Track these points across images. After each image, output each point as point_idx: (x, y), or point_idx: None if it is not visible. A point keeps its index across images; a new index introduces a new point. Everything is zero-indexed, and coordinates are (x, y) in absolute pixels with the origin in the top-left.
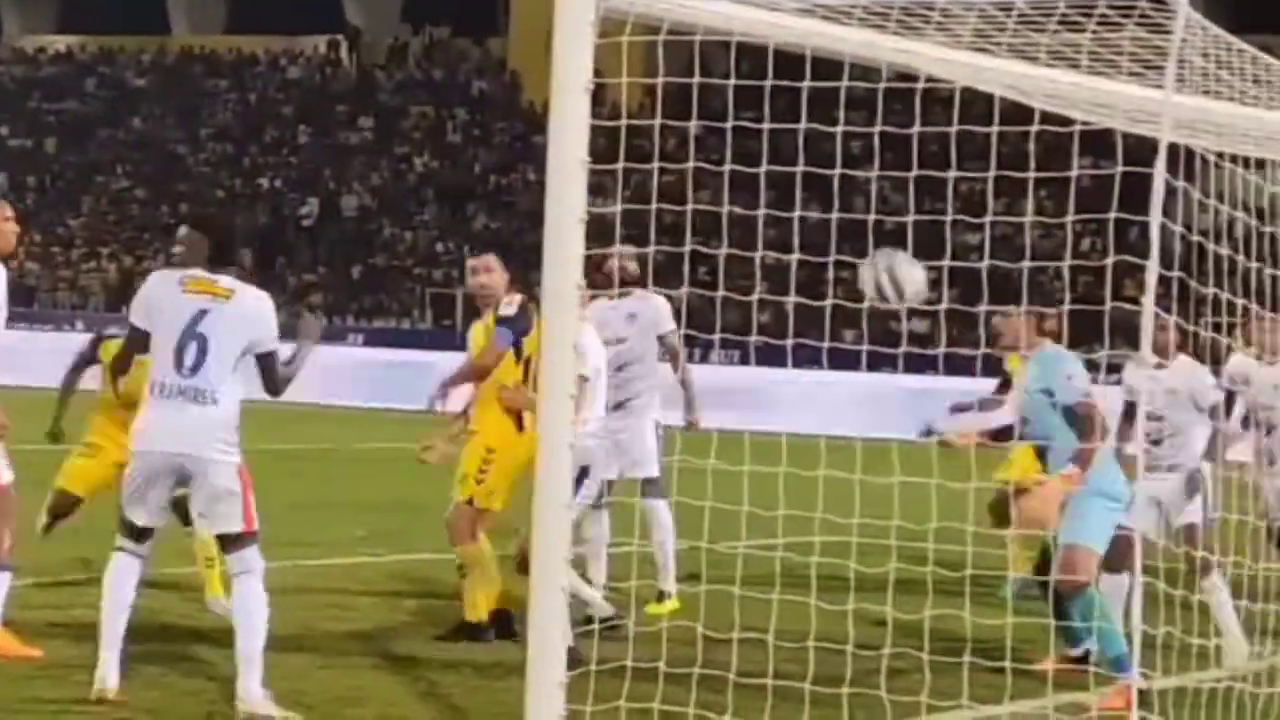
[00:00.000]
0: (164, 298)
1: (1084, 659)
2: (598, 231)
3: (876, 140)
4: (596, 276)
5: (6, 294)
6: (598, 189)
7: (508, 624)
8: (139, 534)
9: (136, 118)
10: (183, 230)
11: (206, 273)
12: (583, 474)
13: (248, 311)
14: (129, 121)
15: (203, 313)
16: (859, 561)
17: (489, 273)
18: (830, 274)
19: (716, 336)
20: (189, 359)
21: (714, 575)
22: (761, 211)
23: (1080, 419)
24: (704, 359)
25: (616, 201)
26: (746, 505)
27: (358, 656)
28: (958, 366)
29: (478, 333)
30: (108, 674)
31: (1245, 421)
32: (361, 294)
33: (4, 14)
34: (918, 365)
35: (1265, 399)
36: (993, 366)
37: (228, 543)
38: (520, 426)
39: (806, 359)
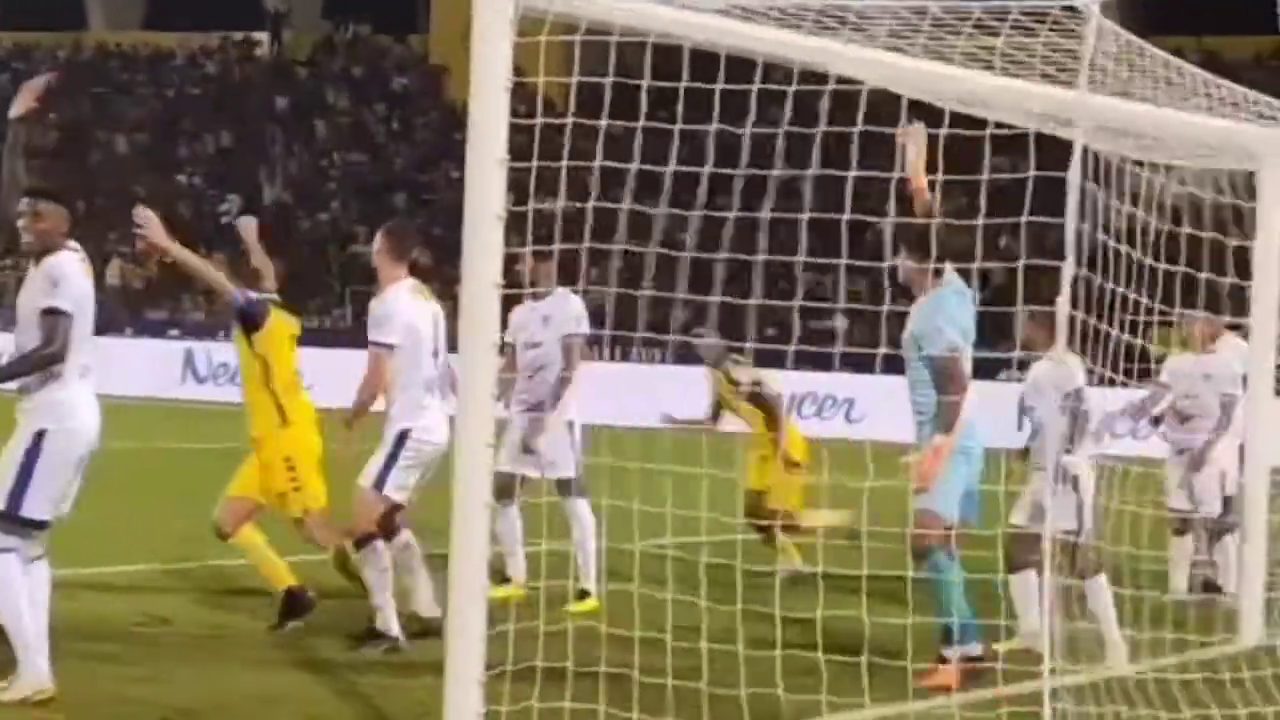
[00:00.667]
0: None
1: (980, 658)
2: (518, 229)
3: (780, 140)
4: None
5: None
6: (517, 186)
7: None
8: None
9: (53, 114)
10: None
11: None
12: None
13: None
14: (45, 118)
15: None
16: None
17: None
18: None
19: (639, 335)
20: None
21: (625, 575)
22: (663, 210)
23: (939, 373)
24: (625, 357)
25: (529, 200)
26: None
27: (275, 655)
28: (864, 364)
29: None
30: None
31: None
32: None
33: None
34: (828, 362)
35: (1190, 389)
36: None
37: None
38: (285, 420)
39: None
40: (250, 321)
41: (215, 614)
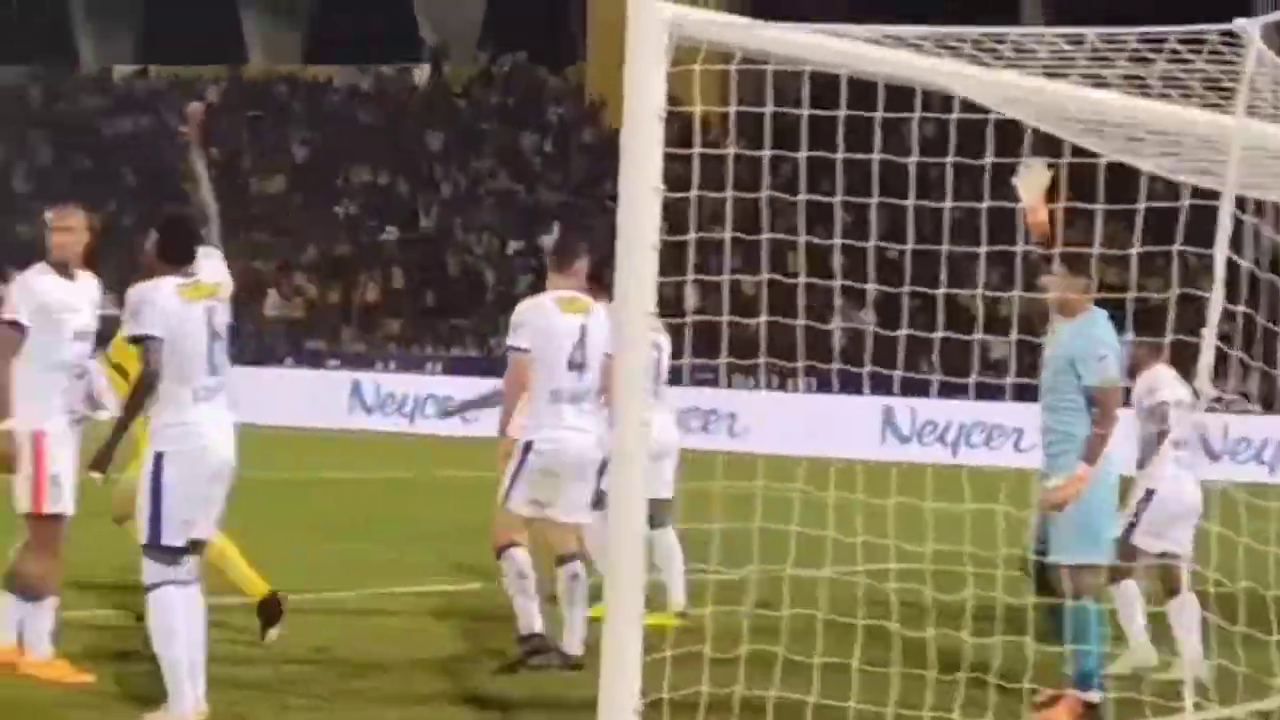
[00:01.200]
0: None
1: (1095, 707)
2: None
3: (949, 170)
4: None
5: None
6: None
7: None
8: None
9: (213, 146)
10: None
11: None
12: None
13: None
14: (207, 150)
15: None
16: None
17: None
18: (906, 301)
19: (800, 364)
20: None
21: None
22: (837, 240)
23: (1099, 405)
24: (782, 386)
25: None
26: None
27: (427, 685)
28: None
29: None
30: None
31: None
32: (437, 320)
33: (80, 44)
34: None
35: None
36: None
37: None
38: None
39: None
40: None
41: (372, 643)
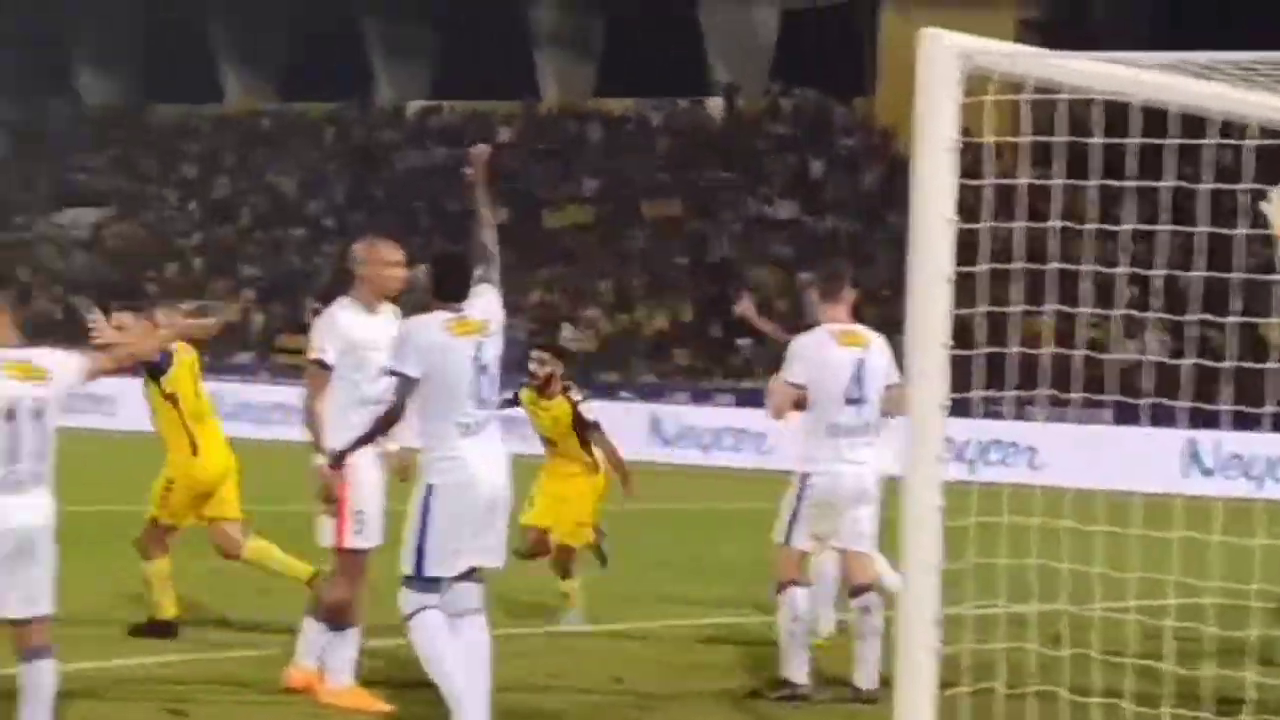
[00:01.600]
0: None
1: None
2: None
3: (1245, 199)
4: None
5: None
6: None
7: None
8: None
9: (503, 180)
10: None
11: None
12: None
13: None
14: (495, 188)
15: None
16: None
17: None
18: (1196, 331)
19: (1076, 395)
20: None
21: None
22: (1124, 269)
23: None
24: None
25: (983, 259)
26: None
27: (720, 718)
28: None
29: None
30: None
31: None
32: (727, 351)
33: (380, 79)
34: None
35: None
36: None
37: None
38: (195, 450)
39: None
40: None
41: (669, 675)
